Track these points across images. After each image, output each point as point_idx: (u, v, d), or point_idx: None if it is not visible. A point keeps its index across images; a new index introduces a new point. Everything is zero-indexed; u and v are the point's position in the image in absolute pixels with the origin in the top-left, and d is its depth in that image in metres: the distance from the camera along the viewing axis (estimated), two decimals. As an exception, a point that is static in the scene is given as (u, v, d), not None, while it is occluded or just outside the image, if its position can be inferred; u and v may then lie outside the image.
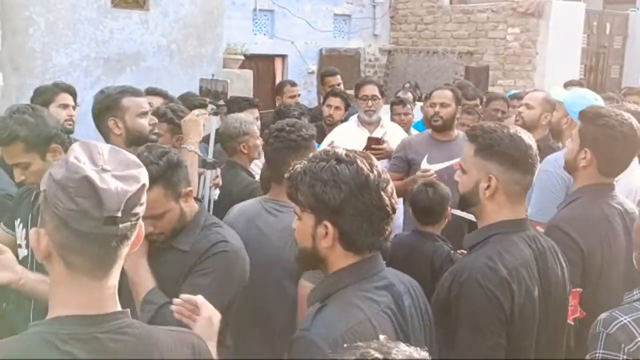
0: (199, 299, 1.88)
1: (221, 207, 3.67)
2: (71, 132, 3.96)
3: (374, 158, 1.85)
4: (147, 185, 1.45)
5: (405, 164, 4.49)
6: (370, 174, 1.76)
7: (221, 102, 3.64)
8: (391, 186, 1.82)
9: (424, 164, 4.34)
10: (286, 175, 1.86)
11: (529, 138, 2.20)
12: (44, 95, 4.18)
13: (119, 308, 1.45)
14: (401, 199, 4.67)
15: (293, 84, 6.85)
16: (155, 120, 3.34)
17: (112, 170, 1.39)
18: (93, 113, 3.18)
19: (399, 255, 3.43)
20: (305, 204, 1.79)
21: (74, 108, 4.30)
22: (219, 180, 3.73)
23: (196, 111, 3.34)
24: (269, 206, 2.81)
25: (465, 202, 2.33)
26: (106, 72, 6.16)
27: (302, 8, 11.68)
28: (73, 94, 4.40)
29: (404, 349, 1.15)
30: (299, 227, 1.85)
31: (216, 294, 2.21)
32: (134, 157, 1.47)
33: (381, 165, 4.58)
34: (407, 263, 3.16)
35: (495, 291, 2.04)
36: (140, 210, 1.43)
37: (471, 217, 2.59)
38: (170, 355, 1.49)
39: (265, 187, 3.35)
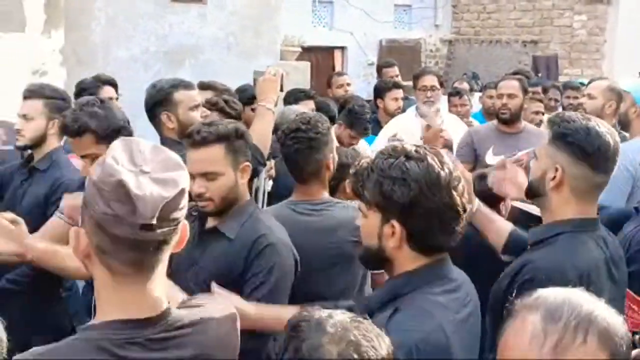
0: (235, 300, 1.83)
1: (277, 199, 3.65)
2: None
3: (445, 155, 1.76)
4: (187, 189, 1.37)
5: (472, 153, 4.38)
6: (442, 172, 1.66)
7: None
8: (462, 185, 1.72)
9: (489, 156, 4.24)
10: (352, 170, 1.78)
11: (611, 136, 2.05)
12: (88, 91, 4.22)
13: (165, 305, 1.41)
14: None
15: (340, 74, 6.76)
16: (208, 112, 3.33)
17: (152, 171, 1.32)
18: (146, 107, 3.19)
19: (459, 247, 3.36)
20: (372, 202, 1.70)
21: (116, 99, 4.35)
22: (273, 172, 3.72)
23: (272, 70, 3.31)
24: (300, 208, 2.67)
25: (531, 191, 2.21)
26: (165, 65, 6.24)
27: (362, -1, 11.59)
28: (114, 85, 4.45)
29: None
30: (365, 226, 1.77)
31: (278, 296, 2.23)
32: (176, 158, 1.39)
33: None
34: (465, 254, 3.08)
35: None
36: (180, 214, 1.36)
37: (536, 211, 2.47)
38: (223, 335, 1.50)
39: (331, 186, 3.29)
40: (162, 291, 1.40)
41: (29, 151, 3.36)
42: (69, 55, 5.62)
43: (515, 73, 6.34)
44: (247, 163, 2.37)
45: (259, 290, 2.24)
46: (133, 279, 1.35)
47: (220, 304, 1.61)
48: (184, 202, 1.36)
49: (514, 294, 1.97)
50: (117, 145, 1.36)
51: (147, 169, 1.32)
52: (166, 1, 6.29)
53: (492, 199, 3.36)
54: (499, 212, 3.39)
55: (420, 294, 1.68)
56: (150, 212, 1.28)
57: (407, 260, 1.71)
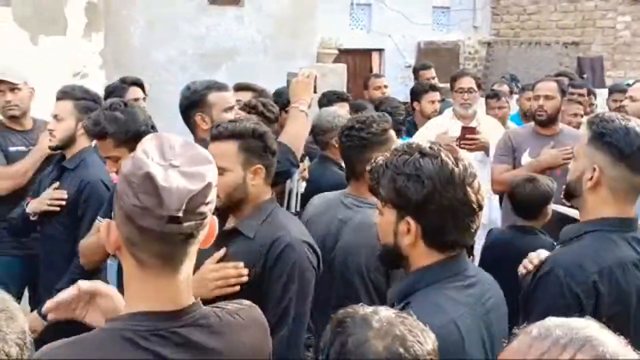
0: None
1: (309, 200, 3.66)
2: (153, 127, 4.07)
3: (460, 151, 1.75)
4: (214, 183, 1.39)
5: (511, 155, 4.33)
6: (455, 168, 1.66)
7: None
8: (477, 181, 1.72)
9: (525, 158, 4.18)
10: (368, 168, 1.79)
11: None
12: (114, 93, 4.29)
13: (192, 300, 1.42)
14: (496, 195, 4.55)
15: (377, 76, 6.77)
16: (242, 113, 3.35)
17: (181, 165, 1.33)
18: (180, 108, 3.22)
19: (494, 250, 3.32)
20: (387, 199, 1.71)
21: (144, 100, 4.40)
22: (306, 174, 3.72)
23: (306, 71, 3.32)
24: (348, 201, 2.75)
25: (569, 192, 2.18)
26: (202, 67, 6.30)
27: (400, 1, 11.53)
28: (141, 86, 4.50)
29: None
30: (381, 223, 1.78)
31: (301, 301, 2.23)
32: (205, 153, 1.41)
33: (475, 158, 4.49)
34: (503, 258, 3.05)
35: (576, 289, 1.91)
36: (207, 209, 1.37)
37: (575, 213, 2.42)
38: (249, 342, 1.49)
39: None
40: (188, 286, 1.41)
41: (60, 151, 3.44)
42: (108, 58, 5.71)
43: (559, 75, 6.25)
44: (260, 165, 2.35)
45: (286, 294, 2.23)
46: (160, 271, 1.36)
47: (254, 312, 1.59)
48: (211, 196, 1.37)
49: (532, 287, 1.96)
50: (149, 139, 1.39)
51: (176, 163, 1.33)
52: (204, 4, 6.35)
53: (538, 203, 3.33)
54: (544, 215, 3.37)
55: (434, 289, 1.68)
56: (177, 204, 1.29)
57: (422, 256, 1.71)
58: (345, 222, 2.68)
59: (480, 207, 1.71)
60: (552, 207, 3.40)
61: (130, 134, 2.75)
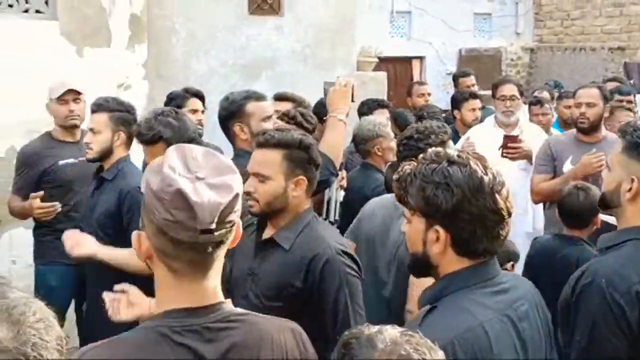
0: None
1: (353, 208, 3.65)
2: (200, 135, 4.11)
3: (487, 160, 1.74)
4: (241, 192, 1.43)
5: (551, 164, 4.26)
6: (485, 177, 1.65)
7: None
8: (507, 189, 1.71)
9: (567, 167, 4.11)
10: (395, 176, 1.79)
11: None
12: (175, 101, 4.36)
13: (221, 299, 1.48)
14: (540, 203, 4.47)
15: (421, 83, 6.77)
16: (279, 122, 3.37)
17: (206, 177, 1.38)
18: (219, 119, 3.26)
19: (539, 259, 3.28)
20: (415, 208, 1.71)
21: (202, 112, 4.45)
22: (344, 182, 3.72)
23: (343, 80, 3.33)
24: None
25: (605, 203, 2.15)
26: (243, 77, 6.34)
27: (441, 8, 11.47)
28: (202, 98, 4.56)
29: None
30: (409, 232, 1.77)
31: (354, 303, 2.25)
32: (227, 162, 1.46)
33: (518, 166, 4.42)
34: (548, 267, 3.01)
35: (620, 300, 1.88)
36: (235, 216, 1.42)
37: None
38: (277, 340, 1.51)
39: (388, 188, 3.28)
40: (217, 285, 1.47)
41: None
42: (151, 69, 5.80)
43: (610, 80, 6.12)
44: (303, 177, 2.36)
45: (338, 305, 2.25)
46: (192, 277, 1.42)
47: (288, 322, 1.62)
48: (238, 205, 1.43)
49: (573, 299, 1.92)
50: (172, 152, 1.43)
51: (201, 175, 1.38)
52: (244, 14, 6.41)
53: (589, 212, 3.27)
54: (593, 225, 3.31)
55: (462, 294, 1.66)
56: (209, 218, 1.35)
57: (452, 265, 1.70)
58: (396, 223, 2.66)
59: (510, 215, 1.70)
60: (601, 217, 3.33)
61: (183, 139, 2.78)
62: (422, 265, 1.76)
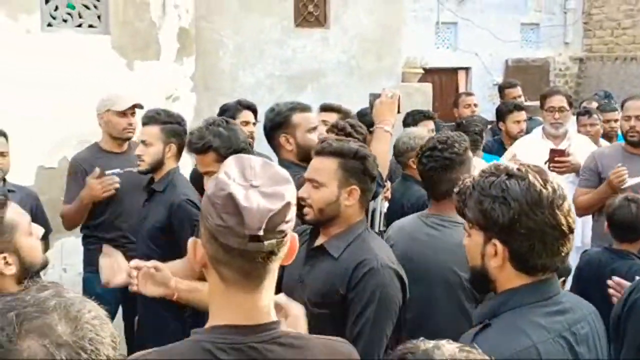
0: (281, 298, 1.84)
1: (393, 220, 3.64)
2: (251, 147, 4.16)
3: (549, 173, 1.72)
4: (293, 202, 1.43)
5: (596, 178, 4.18)
6: (544, 190, 1.63)
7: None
8: (568, 203, 1.68)
9: (634, 180, 4.02)
10: (455, 189, 1.78)
11: None
12: (228, 113, 4.42)
13: (273, 318, 1.46)
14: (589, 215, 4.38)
15: (468, 94, 6.72)
16: (325, 133, 3.39)
17: (261, 186, 1.39)
18: (265, 130, 3.30)
19: (588, 273, 3.22)
20: (474, 221, 1.70)
21: (254, 124, 4.50)
22: (389, 194, 3.72)
23: (389, 92, 3.34)
24: (430, 221, 2.74)
25: None
26: (289, 89, 6.40)
27: (487, 19, 11.38)
28: (254, 111, 4.61)
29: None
30: (468, 245, 1.76)
31: (378, 324, 2.21)
32: (284, 173, 1.46)
33: (566, 179, 4.36)
34: (598, 281, 2.95)
35: None
36: (287, 227, 1.41)
37: None
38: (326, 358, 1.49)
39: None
40: (269, 302, 1.46)
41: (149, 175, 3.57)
42: (199, 82, 5.89)
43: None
44: (357, 187, 2.38)
45: (362, 316, 2.24)
46: (242, 287, 1.42)
47: (337, 344, 1.59)
48: (290, 215, 1.41)
49: (624, 313, 1.88)
50: (230, 161, 1.45)
51: (256, 183, 1.39)
52: (290, 27, 6.47)
53: (638, 227, 3.20)
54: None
55: (519, 312, 1.64)
56: (257, 223, 1.34)
57: (510, 280, 1.68)
58: (432, 242, 2.67)
59: (571, 231, 1.66)
60: None
61: (232, 149, 2.82)
62: (481, 280, 1.74)
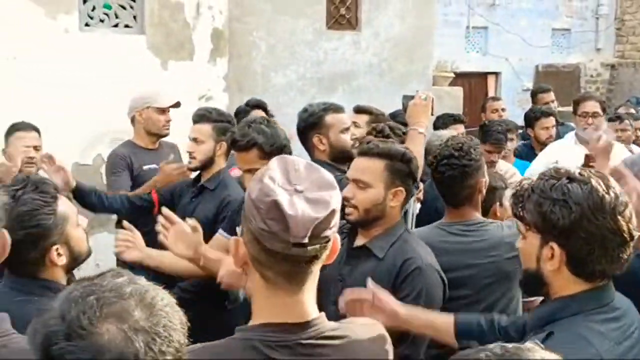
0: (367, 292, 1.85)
1: (425, 222, 3.65)
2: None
3: (611, 178, 1.70)
4: (338, 209, 1.41)
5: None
6: (606, 196, 1.61)
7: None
8: (630, 210, 1.65)
9: None
10: (511, 191, 1.78)
11: None
12: (240, 115, 4.51)
13: (316, 314, 1.47)
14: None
15: (495, 99, 6.69)
16: (357, 134, 3.41)
17: (305, 190, 1.38)
18: (298, 130, 3.32)
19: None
20: (531, 223, 1.68)
21: None
22: (421, 195, 3.72)
23: (423, 94, 3.35)
24: (455, 229, 2.70)
25: None
26: (320, 91, 6.44)
27: (518, 24, 11.32)
28: (263, 108, 4.67)
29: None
30: (523, 247, 1.75)
31: None
32: (329, 177, 1.45)
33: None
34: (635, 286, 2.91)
35: None
36: (331, 232, 1.41)
37: None
38: (369, 353, 1.51)
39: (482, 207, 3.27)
40: (312, 301, 1.46)
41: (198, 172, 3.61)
42: (231, 82, 5.96)
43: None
44: (402, 188, 2.39)
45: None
46: (285, 288, 1.42)
47: (373, 325, 1.63)
48: (335, 221, 1.41)
49: None
50: (275, 163, 1.43)
51: (301, 187, 1.38)
52: (322, 29, 6.51)
53: None
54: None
55: (578, 320, 1.62)
56: (303, 231, 1.34)
57: (566, 284, 1.67)
58: (467, 248, 2.66)
59: (632, 238, 1.64)
60: None
61: (275, 146, 2.85)
62: (535, 283, 1.73)
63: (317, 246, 1.38)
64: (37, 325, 1.06)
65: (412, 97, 3.32)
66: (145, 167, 4.11)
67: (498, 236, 2.63)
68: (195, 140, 3.50)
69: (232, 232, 3.10)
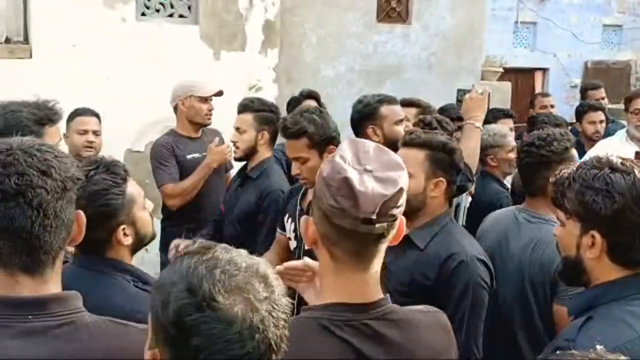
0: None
1: (470, 215, 3.67)
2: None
3: None
4: (405, 188, 1.47)
5: None
6: None
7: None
8: None
9: None
10: (552, 179, 1.81)
11: None
12: (292, 105, 4.58)
13: (381, 295, 1.52)
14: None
15: (544, 95, 6.63)
16: (410, 126, 3.44)
17: (374, 170, 1.43)
18: (352, 120, 3.37)
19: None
20: (572, 211, 1.71)
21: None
22: (472, 189, 3.74)
23: (479, 88, 3.37)
24: (521, 216, 2.73)
25: None
26: (368, 83, 6.46)
27: (568, 19, 11.13)
28: (316, 99, 4.72)
29: None
30: (562, 235, 1.78)
31: (474, 317, 2.25)
32: (397, 159, 1.50)
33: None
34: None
35: None
36: (398, 211, 1.46)
37: None
38: (431, 336, 1.55)
39: (514, 198, 3.26)
40: (377, 281, 1.51)
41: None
42: (281, 73, 6.02)
43: None
44: (443, 179, 2.41)
45: (458, 309, 2.26)
46: (352, 266, 1.47)
47: (435, 312, 1.66)
48: (402, 200, 1.46)
49: None
50: (346, 144, 1.50)
51: (370, 167, 1.44)
52: (372, 22, 6.53)
53: None
54: None
55: (617, 305, 1.65)
56: (371, 207, 1.39)
57: (606, 272, 1.69)
58: (516, 238, 2.68)
59: None
60: None
61: (325, 136, 2.91)
62: (574, 270, 1.75)
63: (385, 224, 1.43)
64: (167, 299, 1.11)
65: (468, 91, 3.34)
66: (189, 157, 4.13)
67: (546, 234, 2.57)
68: (237, 129, 3.57)
69: (282, 225, 3.17)
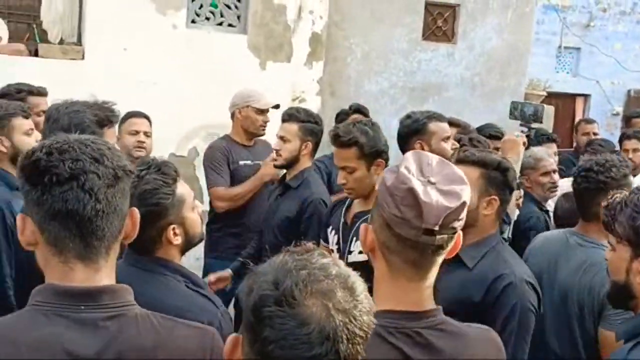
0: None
1: (519, 230, 3.66)
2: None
3: None
4: (468, 202, 1.48)
5: None
6: None
7: (533, 126, 3.67)
8: None
9: None
10: (604, 203, 1.81)
11: None
12: (340, 116, 4.61)
13: (434, 306, 1.54)
14: None
15: (589, 121, 6.56)
16: (457, 145, 3.46)
17: (437, 183, 1.45)
18: (399, 136, 3.39)
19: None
20: (622, 236, 1.72)
21: None
22: (521, 201, 3.73)
23: (516, 132, 3.39)
24: (573, 239, 2.72)
25: None
26: (411, 100, 6.47)
27: (612, 46, 11.04)
28: (365, 114, 4.74)
29: None
30: (613, 259, 1.78)
31: (520, 339, 2.23)
32: (459, 173, 1.52)
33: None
34: None
35: None
36: (458, 225, 1.48)
37: None
38: (481, 351, 1.55)
39: (556, 221, 3.23)
40: (431, 292, 1.53)
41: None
42: (325, 86, 6.06)
43: None
44: (496, 197, 2.40)
45: (504, 331, 2.22)
46: (409, 276, 1.49)
47: (486, 330, 1.66)
48: (464, 214, 1.48)
49: None
50: (410, 156, 1.52)
51: (433, 180, 1.46)
52: (418, 39, 6.55)
53: None
54: None
55: None
56: (434, 219, 1.41)
57: None
58: (566, 261, 2.67)
59: None
60: None
61: (375, 148, 2.93)
62: (622, 295, 1.76)
63: (445, 236, 1.45)
64: (253, 286, 1.15)
65: (520, 104, 3.37)
66: (241, 163, 4.22)
67: (596, 259, 2.57)
68: (282, 138, 3.60)
69: (325, 236, 3.19)
